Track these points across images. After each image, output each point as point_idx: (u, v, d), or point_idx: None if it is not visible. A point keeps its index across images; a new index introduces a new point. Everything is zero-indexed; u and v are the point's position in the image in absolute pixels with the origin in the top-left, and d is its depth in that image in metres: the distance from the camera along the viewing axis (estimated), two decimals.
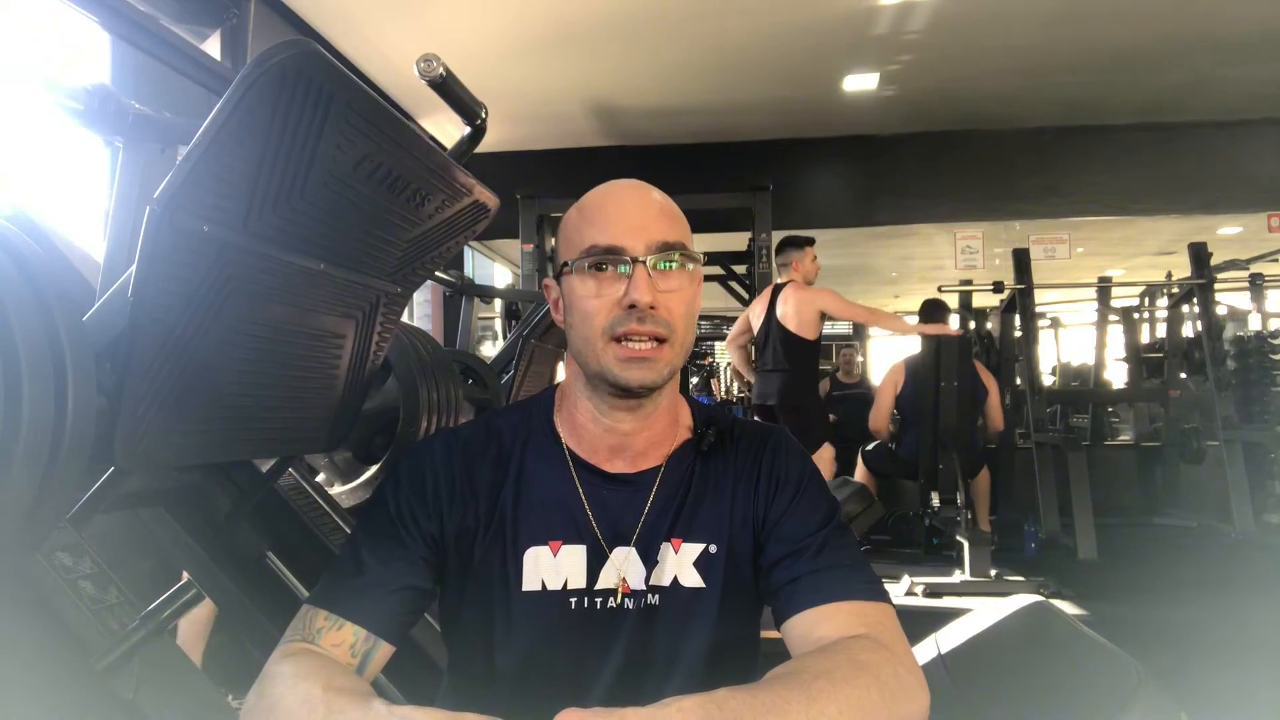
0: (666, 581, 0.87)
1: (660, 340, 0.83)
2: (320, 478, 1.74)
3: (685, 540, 0.88)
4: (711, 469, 0.92)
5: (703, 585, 0.87)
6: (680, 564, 0.87)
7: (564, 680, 0.85)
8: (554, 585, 0.86)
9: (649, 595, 0.86)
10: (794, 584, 0.84)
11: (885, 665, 0.73)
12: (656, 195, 0.89)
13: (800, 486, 0.91)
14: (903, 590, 3.77)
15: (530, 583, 0.86)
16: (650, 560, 0.87)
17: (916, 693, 0.75)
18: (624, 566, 0.86)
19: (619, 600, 0.86)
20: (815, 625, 0.80)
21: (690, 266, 0.86)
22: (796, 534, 0.87)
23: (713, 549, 0.88)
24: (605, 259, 0.84)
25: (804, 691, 0.67)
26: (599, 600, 0.86)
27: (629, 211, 0.86)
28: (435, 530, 0.86)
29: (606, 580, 0.86)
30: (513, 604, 0.85)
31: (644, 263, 0.83)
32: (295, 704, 0.69)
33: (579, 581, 0.86)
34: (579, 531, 0.87)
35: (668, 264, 0.84)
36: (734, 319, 5.34)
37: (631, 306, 0.82)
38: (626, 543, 0.87)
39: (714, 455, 0.93)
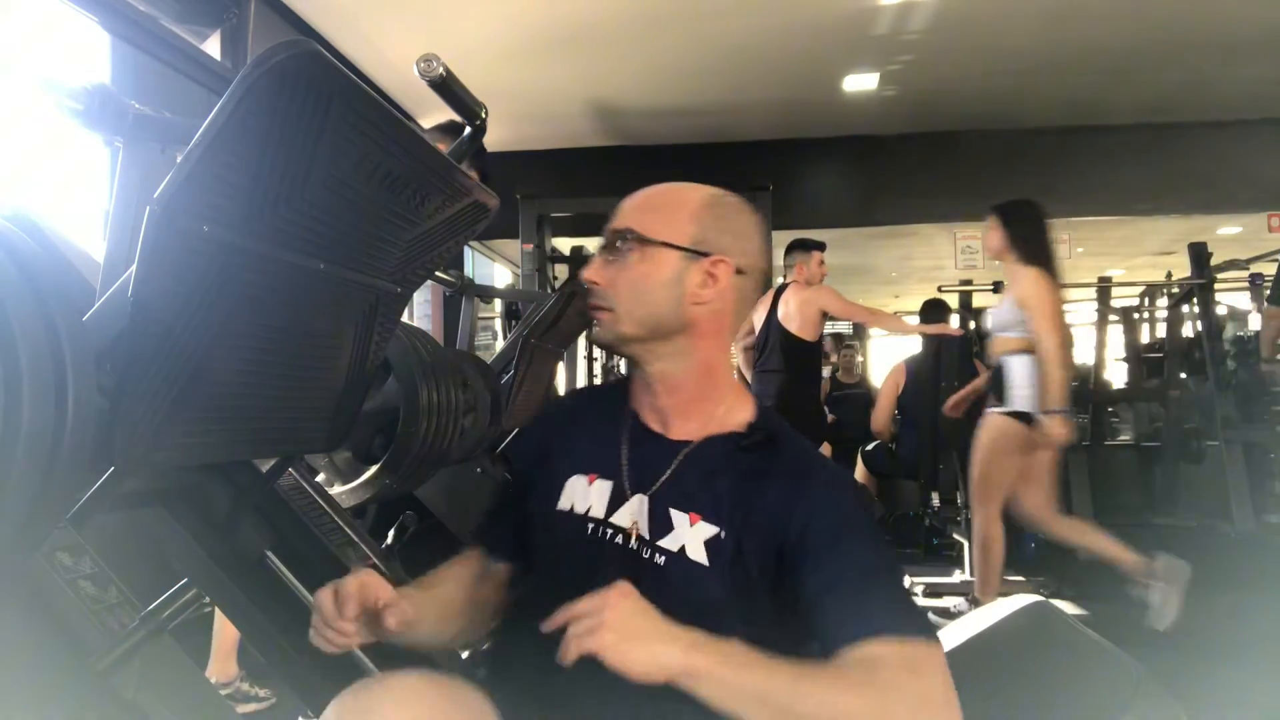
0: (675, 548, 0.91)
1: (607, 310, 0.97)
2: (320, 478, 1.74)
3: (703, 519, 0.91)
4: (749, 469, 0.93)
5: (707, 564, 0.90)
6: (693, 538, 0.91)
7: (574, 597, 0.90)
8: (579, 509, 0.97)
9: (657, 554, 0.91)
10: (834, 619, 0.83)
11: (913, 702, 0.76)
12: (656, 189, 1.00)
13: (839, 522, 0.89)
14: None
15: (563, 503, 0.98)
16: (663, 520, 0.93)
17: None
18: (639, 512, 0.94)
19: (630, 541, 0.93)
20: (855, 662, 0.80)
21: (645, 248, 0.95)
22: (833, 569, 0.85)
23: (723, 535, 0.90)
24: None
25: (822, 682, 0.76)
26: (609, 532, 0.95)
27: (623, 204, 0.99)
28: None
29: (621, 519, 0.95)
30: (549, 520, 0.99)
31: (599, 247, 0.98)
32: None
33: (599, 512, 0.96)
34: (612, 471, 0.98)
35: (611, 251, 0.97)
36: None
37: None
38: (644, 492, 0.95)
39: (757, 458, 0.94)
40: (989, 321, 3.29)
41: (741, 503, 0.91)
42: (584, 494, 0.98)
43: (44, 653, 0.82)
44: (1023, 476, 3.13)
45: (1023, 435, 3.02)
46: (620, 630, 0.75)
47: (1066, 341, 2.96)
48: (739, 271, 0.97)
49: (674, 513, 0.92)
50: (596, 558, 0.94)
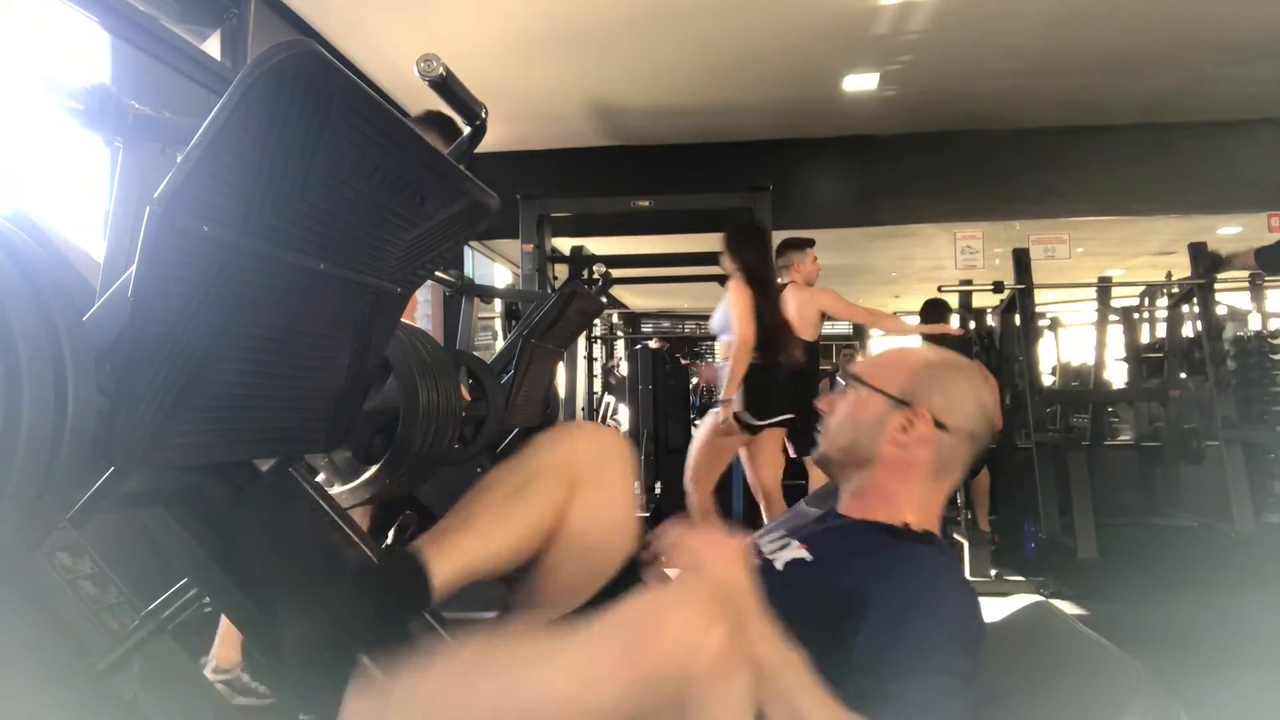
0: (773, 559, 1.10)
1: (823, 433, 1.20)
2: (320, 478, 1.74)
3: (807, 549, 1.08)
4: (869, 544, 1.07)
5: (781, 570, 1.06)
6: (789, 555, 1.09)
7: None
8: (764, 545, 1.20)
9: (761, 561, 1.10)
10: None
11: None
12: (892, 348, 1.28)
13: (899, 632, 0.93)
14: None
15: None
16: (784, 546, 1.12)
17: None
18: (778, 546, 1.14)
19: (768, 564, 1.12)
20: None
21: (860, 391, 1.16)
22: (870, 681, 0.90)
23: (809, 561, 1.06)
24: None
25: None
26: (761, 561, 1.12)
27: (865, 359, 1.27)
28: None
29: (767, 549, 1.15)
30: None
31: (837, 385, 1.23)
32: None
33: (761, 540, 1.20)
34: (795, 529, 1.21)
35: (843, 389, 1.19)
36: None
37: None
38: (795, 537, 1.15)
39: (883, 544, 1.07)
40: (711, 325, 3.68)
41: (841, 561, 1.04)
42: (772, 533, 1.22)
43: (44, 653, 0.82)
44: (749, 457, 3.56)
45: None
46: (709, 580, 0.87)
47: (748, 341, 3.34)
48: (940, 425, 1.10)
49: (794, 541, 1.11)
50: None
